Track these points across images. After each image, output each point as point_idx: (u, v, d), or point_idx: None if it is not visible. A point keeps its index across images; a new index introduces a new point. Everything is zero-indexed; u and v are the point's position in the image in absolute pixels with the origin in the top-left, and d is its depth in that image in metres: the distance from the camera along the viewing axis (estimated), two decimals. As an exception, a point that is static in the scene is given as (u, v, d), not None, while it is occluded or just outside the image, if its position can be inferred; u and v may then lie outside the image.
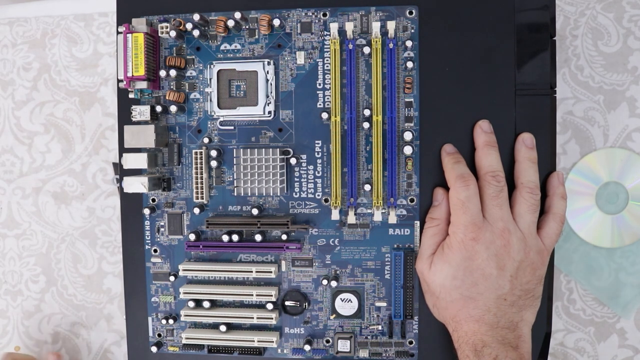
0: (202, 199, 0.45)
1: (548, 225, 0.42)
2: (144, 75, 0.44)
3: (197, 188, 0.45)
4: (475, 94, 0.43)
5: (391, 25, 0.43)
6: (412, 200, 0.44)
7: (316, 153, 0.45)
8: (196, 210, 0.46)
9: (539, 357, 0.44)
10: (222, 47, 0.46)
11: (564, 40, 0.49)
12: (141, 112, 0.45)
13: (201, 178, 0.45)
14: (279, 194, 0.45)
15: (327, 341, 0.46)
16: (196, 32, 0.44)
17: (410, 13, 0.43)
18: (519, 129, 0.43)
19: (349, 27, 0.44)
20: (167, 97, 0.45)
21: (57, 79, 0.57)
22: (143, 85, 0.44)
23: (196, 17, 0.44)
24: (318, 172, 0.45)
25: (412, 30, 0.44)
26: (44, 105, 0.58)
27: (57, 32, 0.57)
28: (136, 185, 0.44)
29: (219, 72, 0.45)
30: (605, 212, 0.49)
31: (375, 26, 0.43)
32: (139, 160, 0.44)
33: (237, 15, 0.44)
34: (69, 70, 0.57)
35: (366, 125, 0.44)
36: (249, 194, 0.45)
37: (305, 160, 0.45)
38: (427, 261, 0.43)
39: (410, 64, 0.43)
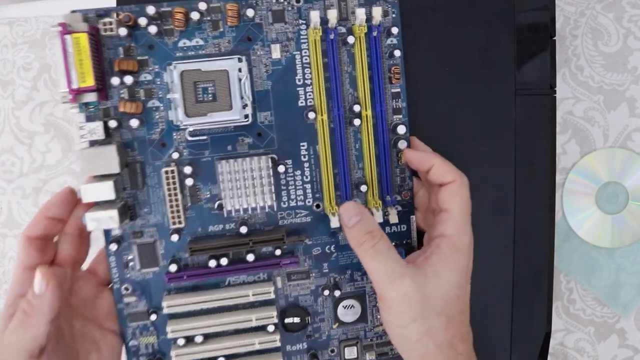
0: (180, 223, 0.39)
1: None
2: (94, 85, 0.35)
3: (172, 212, 0.39)
4: (475, 93, 0.42)
5: (377, 12, 0.39)
6: (406, 195, 0.43)
7: (302, 157, 0.41)
8: (174, 238, 0.39)
9: (539, 357, 0.45)
10: (180, 44, 0.39)
11: (564, 40, 0.49)
12: (92, 130, 0.37)
13: (176, 200, 0.39)
14: (270, 205, 0.41)
15: (332, 351, 0.44)
16: (153, 29, 0.37)
17: (392, -4, 0.40)
18: (519, 129, 0.43)
19: (332, 14, 0.39)
20: (121, 109, 0.38)
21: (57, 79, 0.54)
22: (91, 97, 0.36)
23: (151, 9, 0.37)
24: (306, 177, 0.41)
25: (394, 15, 0.40)
26: (44, 105, 0.58)
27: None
28: (105, 220, 0.36)
29: (182, 73, 0.38)
30: (605, 212, 0.50)
31: (360, 12, 0.39)
32: (103, 191, 0.36)
33: (203, 5, 0.37)
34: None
35: (357, 122, 0.40)
36: (234, 210, 0.40)
37: (291, 166, 0.41)
38: None
39: (397, 53, 0.40)
